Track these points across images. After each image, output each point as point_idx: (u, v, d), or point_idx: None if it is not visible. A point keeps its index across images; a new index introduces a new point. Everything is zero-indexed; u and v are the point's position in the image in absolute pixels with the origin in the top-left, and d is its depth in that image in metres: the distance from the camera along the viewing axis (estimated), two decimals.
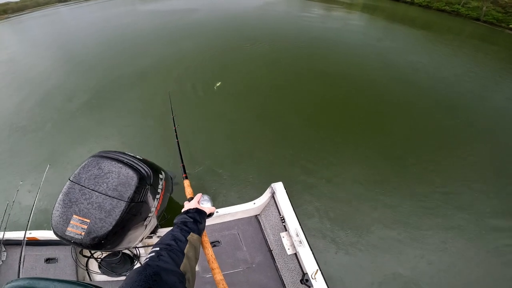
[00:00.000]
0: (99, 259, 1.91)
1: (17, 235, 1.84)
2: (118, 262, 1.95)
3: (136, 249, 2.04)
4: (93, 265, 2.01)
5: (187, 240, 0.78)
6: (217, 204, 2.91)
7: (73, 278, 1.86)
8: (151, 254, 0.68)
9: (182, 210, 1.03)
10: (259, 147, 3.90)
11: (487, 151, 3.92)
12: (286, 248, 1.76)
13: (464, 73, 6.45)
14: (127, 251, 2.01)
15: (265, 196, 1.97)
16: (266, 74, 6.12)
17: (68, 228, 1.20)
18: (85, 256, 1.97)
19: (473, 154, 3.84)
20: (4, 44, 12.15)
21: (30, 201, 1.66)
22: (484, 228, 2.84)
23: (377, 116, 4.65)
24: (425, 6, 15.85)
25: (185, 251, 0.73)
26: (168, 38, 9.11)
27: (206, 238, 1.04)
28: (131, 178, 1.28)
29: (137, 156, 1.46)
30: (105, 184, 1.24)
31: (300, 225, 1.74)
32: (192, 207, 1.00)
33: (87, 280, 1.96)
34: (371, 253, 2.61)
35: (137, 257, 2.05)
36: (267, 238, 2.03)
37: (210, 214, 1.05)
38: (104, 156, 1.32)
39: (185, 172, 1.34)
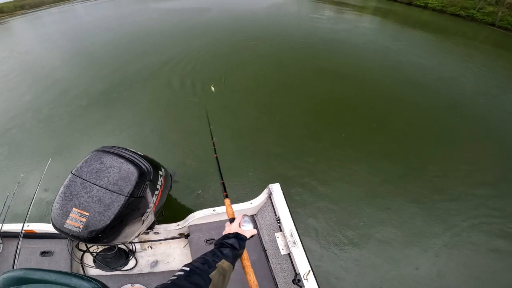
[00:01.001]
0: (95, 253, 1.92)
1: (15, 227, 1.85)
2: (113, 257, 1.96)
3: (132, 244, 2.06)
4: (88, 259, 2.02)
5: (216, 267, 0.77)
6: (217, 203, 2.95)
7: (74, 272, 1.87)
8: (179, 273, 0.70)
9: (223, 233, 1.01)
10: (260, 145, 3.95)
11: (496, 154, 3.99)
12: (280, 248, 1.79)
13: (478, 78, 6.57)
14: (123, 246, 2.03)
15: (262, 197, 2.00)
16: (271, 74, 6.20)
17: (67, 221, 1.22)
18: (80, 250, 1.98)
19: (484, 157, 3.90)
20: (20, 39, 12.11)
21: (31, 194, 1.66)
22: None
23: (385, 118, 4.73)
24: (439, 11, 15.80)
25: (211, 276, 0.72)
26: (179, 36, 9.19)
27: (248, 263, 0.97)
28: (132, 173, 1.31)
29: (139, 152, 1.49)
30: (106, 178, 1.26)
31: (295, 226, 1.77)
32: (232, 231, 0.97)
33: (81, 273, 1.97)
34: (369, 256, 2.65)
35: (132, 252, 2.07)
36: (262, 238, 2.06)
37: (251, 237, 1.02)
38: (106, 151, 1.34)
39: (225, 190, 1.26)
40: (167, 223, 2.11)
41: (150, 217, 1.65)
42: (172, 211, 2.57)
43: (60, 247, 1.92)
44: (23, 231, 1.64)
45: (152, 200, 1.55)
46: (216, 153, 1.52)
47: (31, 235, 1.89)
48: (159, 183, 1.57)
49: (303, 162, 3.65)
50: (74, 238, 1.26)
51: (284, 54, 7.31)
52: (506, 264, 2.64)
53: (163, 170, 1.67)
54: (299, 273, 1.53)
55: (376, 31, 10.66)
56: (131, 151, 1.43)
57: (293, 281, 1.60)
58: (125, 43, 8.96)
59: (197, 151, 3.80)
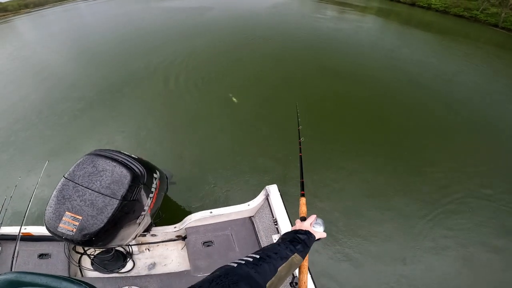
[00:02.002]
0: (92, 256, 1.92)
1: (12, 230, 1.86)
2: (110, 259, 1.96)
3: (129, 246, 2.06)
4: (86, 262, 2.03)
5: (287, 259, 0.74)
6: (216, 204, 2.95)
7: (65, 274, 1.87)
8: (248, 259, 0.67)
9: (292, 228, 0.99)
10: (258, 144, 3.94)
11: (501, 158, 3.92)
12: None
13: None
14: (120, 248, 2.03)
15: (259, 198, 1.98)
16: (271, 72, 6.19)
17: (60, 224, 1.22)
18: (78, 253, 1.99)
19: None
20: (23, 38, 12.25)
21: (28, 197, 1.67)
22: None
23: (388, 119, 4.68)
24: (443, 12, 15.73)
25: (280, 268, 0.70)
26: (181, 35, 9.24)
27: (306, 263, 0.97)
28: (125, 176, 1.30)
29: (132, 155, 1.48)
30: (98, 182, 1.25)
31: None
32: (304, 229, 0.94)
33: (79, 276, 1.98)
34: (368, 258, 2.61)
35: (130, 254, 2.06)
36: (260, 240, 2.04)
37: (318, 239, 1.00)
38: (99, 154, 1.34)
39: (303, 189, 1.24)
40: (164, 225, 2.11)
41: (146, 220, 1.64)
42: (169, 213, 2.57)
43: (58, 250, 1.92)
44: (20, 234, 1.64)
45: (147, 203, 1.54)
46: (301, 153, 1.51)
47: (28, 238, 1.89)
48: (154, 185, 1.56)
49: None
50: (68, 241, 1.26)
51: (287, 53, 7.31)
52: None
53: (158, 172, 1.66)
54: (296, 276, 1.51)
55: (378, 31, 10.58)
56: (124, 154, 1.42)
57: (291, 283, 1.58)
58: (127, 41, 9.04)
59: (196, 151, 3.80)
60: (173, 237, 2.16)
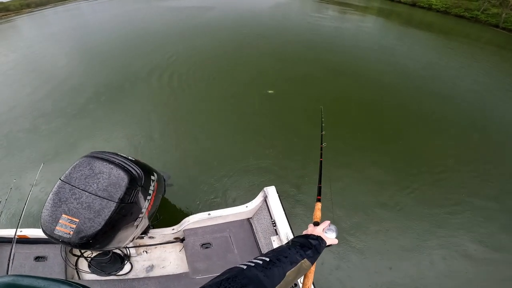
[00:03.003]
0: (89, 259, 1.91)
1: (8, 232, 1.84)
2: (108, 262, 1.95)
3: (127, 249, 2.04)
4: (83, 264, 2.01)
5: (297, 264, 0.74)
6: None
7: (62, 277, 1.85)
8: (257, 261, 0.67)
9: (304, 232, 0.98)
10: (256, 146, 3.93)
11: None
12: None
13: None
14: (117, 251, 2.01)
15: (258, 200, 1.98)
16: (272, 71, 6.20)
17: (56, 227, 1.21)
18: (75, 255, 1.97)
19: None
20: (25, 38, 12.14)
21: (23, 199, 1.65)
22: None
23: (392, 123, 4.69)
24: (443, 12, 15.84)
25: (288, 273, 0.69)
26: (183, 35, 9.25)
27: (313, 268, 0.97)
28: (122, 179, 1.29)
29: (129, 157, 1.47)
30: (95, 185, 1.25)
31: (291, 229, 1.75)
32: (315, 234, 0.94)
33: (76, 278, 1.96)
34: (367, 259, 2.61)
35: (127, 256, 2.05)
36: (259, 242, 2.03)
37: (329, 245, 0.99)
38: (96, 156, 1.33)
39: (319, 195, 1.26)
40: (162, 227, 2.10)
41: (143, 222, 1.63)
42: (167, 215, 2.55)
43: (54, 252, 1.90)
44: (16, 237, 1.62)
45: (145, 205, 1.53)
46: (321, 158, 1.53)
47: (24, 241, 1.87)
48: (151, 187, 1.56)
49: (300, 163, 3.63)
50: (65, 244, 1.25)
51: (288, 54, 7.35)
52: None
53: (155, 174, 1.65)
54: (299, 281, 1.51)
55: (379, 31, 10.64)
56: (121, 156, 1.42)
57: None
58: (128, 41, 9.02)
59: (194, 153, 3.79)
60: (171, 239, 2.15)
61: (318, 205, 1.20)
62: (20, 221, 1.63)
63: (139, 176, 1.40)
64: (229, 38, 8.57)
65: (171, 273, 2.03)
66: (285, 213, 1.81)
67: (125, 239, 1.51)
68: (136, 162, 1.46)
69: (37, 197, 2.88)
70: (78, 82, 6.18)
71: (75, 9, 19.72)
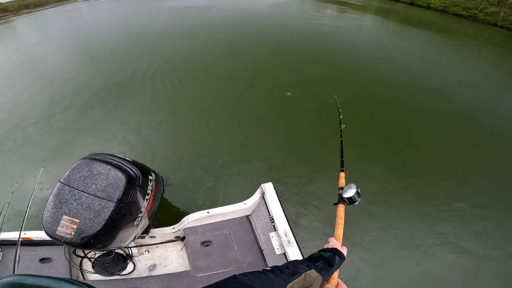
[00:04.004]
0: (93, 259, 1.94)
1: (12, 235, 1.88)
2: (111, 262, 1.98)
3: (129, 248, 2.08)
4: (87, 265, 2.05)
5: (301, 275, 0.71)
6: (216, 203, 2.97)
7: (67, 277, 1.89)
8: (257, 270, 0.67)
9: (325, 246, 0.95)
10: (254, 144, 3.96)
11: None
12: (275, 248, 1.79)
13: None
14: (120, 251, 2.05)
15: (256, 196, 2.00)
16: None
17: (58, 228, 1.24)
18: (79, 256, 2.01)
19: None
20: (23, 39, 12.18)
21: (26, 202, 1.69)
22: None
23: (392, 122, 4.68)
24: (442, 11, 15.85)
25: (290, 284, 0.68)
26: (182, 35, 9.28)
27: (334, 281, 0.89)
28: (120, 179, 1.32)
29: (126, 158, 1.50)
30: (94, 186, 1.28)
31: (289, 225, 1.77)
32: (330, 247, 0.91)
33: (81, 279, 2.00)
34: (366, 255, 2.63)
35: (130, 256, 2.09)
36: (258, 238, 2.06)
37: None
38: (94, 158, 1.36)
39: (343, 166, 1.39)
40: (163, 226, 2.13)
41: (143, 221, 1.67)
42: (167, 215, 2.59)
43: (58, 254, 1.94)
44: (20, 239, 1.66)
45: (144, 205, 1.56)
46: (341, 138, 1.66)
47: (29, 243, 1.92)
48: (150, 187, 1.59)
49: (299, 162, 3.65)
50: (67, 244, 1.28)
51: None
52: None
53: (153, 174, 1.68)
54: None
55: (378, 30, 10.59)
56: (118, 157, 1.45)
57: None
58: (128, 42, 9.05)
59: (193, 151, 3.82)
60: (172, 238, 2.18)
61: (342, 174, 1.30)
62: (24, 223, 1.67)
63: (137, 176, 1.43)
64: (233, 39, 8.58)
65: (173, 272, 2.06)
66: (282, 209, 1.83)
67: (126, 238, 1.54)
68: (134, 163, 1.49)
69: (39, 199, 2.94)
70: (78, 82, 6.23)
71: (74, 9, 19.75)
